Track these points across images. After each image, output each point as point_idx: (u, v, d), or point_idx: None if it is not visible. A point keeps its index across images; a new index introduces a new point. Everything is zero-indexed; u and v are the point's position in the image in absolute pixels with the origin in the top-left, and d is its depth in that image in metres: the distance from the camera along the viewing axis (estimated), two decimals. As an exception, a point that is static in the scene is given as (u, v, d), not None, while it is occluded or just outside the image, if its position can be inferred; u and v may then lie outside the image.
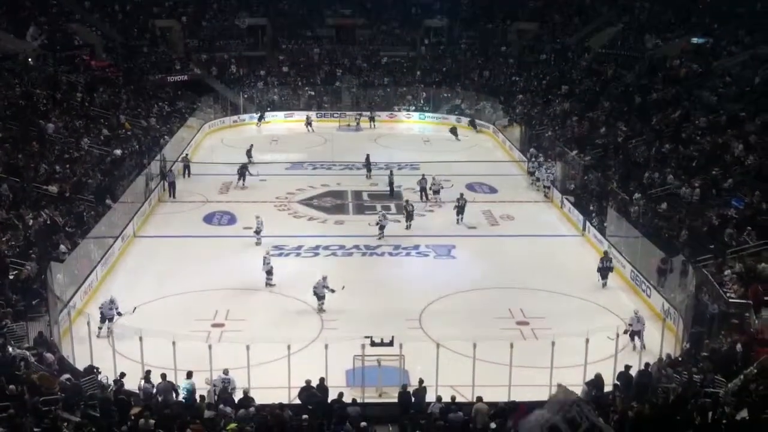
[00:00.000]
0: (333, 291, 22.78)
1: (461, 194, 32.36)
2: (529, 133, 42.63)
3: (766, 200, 25.41)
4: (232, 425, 14.64)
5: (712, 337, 19.57)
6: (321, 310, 22.86)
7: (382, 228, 29.54)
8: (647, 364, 17.99)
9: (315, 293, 22.90)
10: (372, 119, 50.67)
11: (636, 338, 20.73)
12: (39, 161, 30.32)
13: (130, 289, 24.61)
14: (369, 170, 37.72)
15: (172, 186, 34.75)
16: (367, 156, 38.19)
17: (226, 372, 17.46)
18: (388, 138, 47.68)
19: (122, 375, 17.21)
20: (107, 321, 20.86)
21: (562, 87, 48.06)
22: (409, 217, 30.93)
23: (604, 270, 25.37)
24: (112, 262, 26.42)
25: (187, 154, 39.58)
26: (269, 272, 24.95)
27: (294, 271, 26.23)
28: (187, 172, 37.77)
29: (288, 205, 33.83)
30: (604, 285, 25.35)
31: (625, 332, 20.55)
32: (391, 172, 35.90)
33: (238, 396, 16.98)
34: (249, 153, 40.07)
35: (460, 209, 31.53)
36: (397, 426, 16.41)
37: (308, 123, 49.40)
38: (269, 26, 59.91)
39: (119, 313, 21.12)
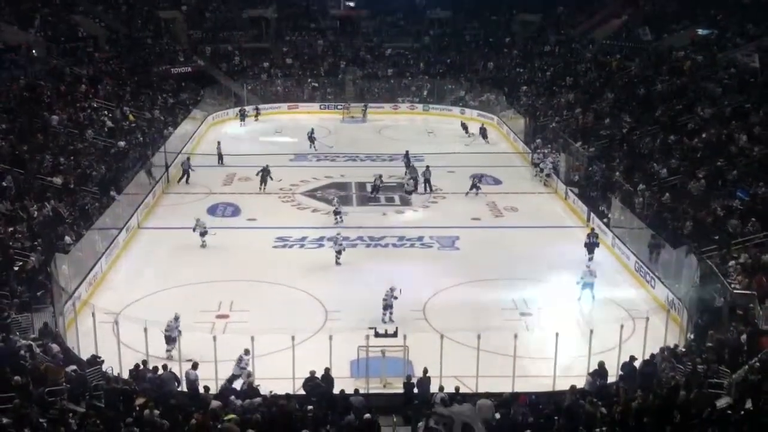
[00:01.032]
0: (396, 297, 21.84)
1: (481, 175, 34.55)
2: (534, 125, 42.56)
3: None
4: (231, 416, 14.63)
5: (720, 328, 19.46)
6: (390, 320, 21.57)
7: (337, 214, 30.02)
8: (652, 355, 18.00)
9: (386, 304, 21.78)
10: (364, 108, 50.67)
11: (588, 290, 23.00)
12: (43, 153, 30.37)
13: (135, 280, 24.75)
14: (408, 166, 36.53)
15: (186, 174, 35.16)
16: (407, 152, 37.42)
17: (247, 352, 17.73)
18: (392, 130, 47.63)
19: (138, 366, 17.37)
20: (174, 342, 19.20)
21: (566, 78, 47.94)
22: (375, 189, 33.55)
23: (591, 245, 26.53)
24: (116, 254, 26.47)
25: (219, 142, 39.65)
26: (339, 252, 25.98)
27: (298, 263, 26.32)
28: (221, 160, 38.22)
29: (292, 196, 33.82)
30: (591, 259, 26.11)
31: (577, 283, 23.17)
32: (415, 168, 35.73)
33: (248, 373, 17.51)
34: (311, 137, 41.52)
35: (474, 185, 33.69)
36: (401, 416, 16.45)
37: (242, 117, 48.87)
38: (273, 18, 59.81)
39: (179, 331, 19.33)
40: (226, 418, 14.66)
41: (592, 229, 27.67)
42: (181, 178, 35.23)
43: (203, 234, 27.33)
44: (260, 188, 33.92)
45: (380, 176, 34.20)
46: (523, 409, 15.54)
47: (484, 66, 55.42)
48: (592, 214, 29.89)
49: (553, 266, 25.92)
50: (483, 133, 43.93)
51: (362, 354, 18.17)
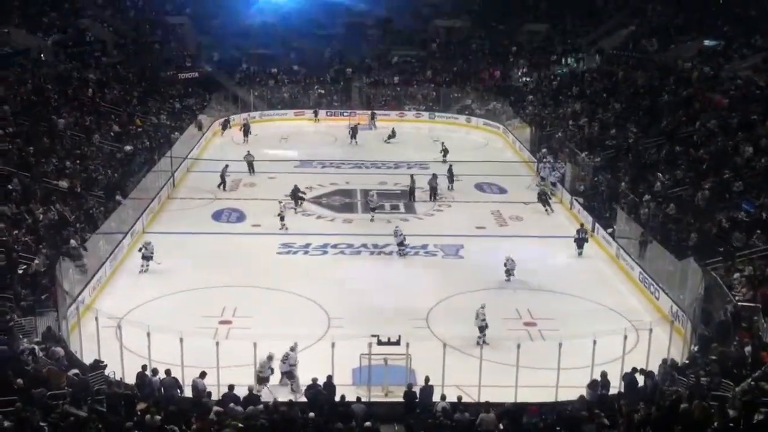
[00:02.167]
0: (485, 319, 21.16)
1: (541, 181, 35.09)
2: (539, 134, 42.51)
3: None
4: (231, 422, 14.60)
5: (726, 341, 19.33)
6: (485, 342, 20.69)
7: (282, 218, 30.10)
8: (636, 369, 17.87)
9: (481, 325, 20.94)
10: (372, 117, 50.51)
11: (510, 276, 25.19)
12: (49, 156, 30.45)
13: (139, 285, 24.77)
14: (451, 181, 36.04)
15: (223, 181, 35.38)
16: (450, 166, 36.80)
17: (293, 348, 18.16)
18: (397, 137, 47.53)
19: (144, 367, 17.42)
20: (267, 381, 18.56)
21: (572, 88, 47.92)
22: (433, 190, 34.45)
23: (580, 241, 27.92)
24: (120, 258, 26.50)
25: (248, 151, 39.18)
26: (401, 243, 27.15)
27: (302, 270, 26.32)
28: (251, 169, 37.97)
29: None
30: (580, 254, 27.49)
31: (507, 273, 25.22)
32: (433, 175, 35.34)
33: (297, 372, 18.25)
34: (354, 130, 44.30)
35: (546, 202, 33.17)
36: (402, 425, 16.40)
37: (245, 132, 45.36)
38: (280, 24, 59.92)
39: (272, 370, 18.69)
40: (227, 424, 14.65)
41: (582, 225, 29.07)
42: (220, 185, 35.26)
43: (146, 258, 25.82)
44: (296, 210, 32.68)
45: (435, 175, 34.86)
46: (535, 419, 15.48)
47: (490, 75, 55.44)
48: (597, 225, 29.84)
49: (557, 276, 25.90)
50: (445, 154, 40.70)
51: (364, 362, 18.16)
